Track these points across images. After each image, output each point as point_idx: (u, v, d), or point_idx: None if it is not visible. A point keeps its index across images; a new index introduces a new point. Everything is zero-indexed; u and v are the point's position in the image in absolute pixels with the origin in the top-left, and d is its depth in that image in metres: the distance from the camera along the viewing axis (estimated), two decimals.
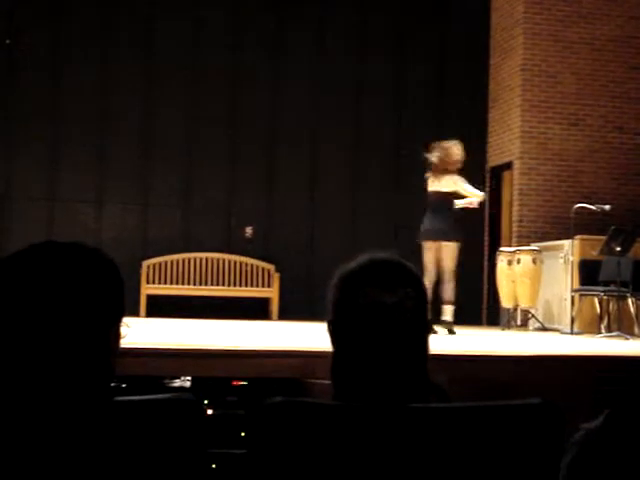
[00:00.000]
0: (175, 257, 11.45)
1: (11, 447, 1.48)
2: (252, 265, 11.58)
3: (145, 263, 11.25)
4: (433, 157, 8.53)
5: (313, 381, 4.79)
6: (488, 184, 12.02)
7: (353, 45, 11.85)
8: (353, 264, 1.75)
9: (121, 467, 1.51)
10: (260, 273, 11.59)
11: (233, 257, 11.57)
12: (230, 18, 11.63)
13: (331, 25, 11.78)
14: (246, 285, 11.53)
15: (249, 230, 11.64)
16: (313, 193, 11.76)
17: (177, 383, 5.36)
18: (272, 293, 11.45)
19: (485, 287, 11.97)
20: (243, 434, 5.04)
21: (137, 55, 11.40)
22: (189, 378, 5.34)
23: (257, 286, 11.54)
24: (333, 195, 11.71)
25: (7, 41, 10.69)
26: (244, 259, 11.55)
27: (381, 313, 1.64)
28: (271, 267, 11.57)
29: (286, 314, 11.06)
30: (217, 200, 11.52)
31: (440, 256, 8.40)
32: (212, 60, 11.54)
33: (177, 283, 11.42)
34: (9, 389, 1.54)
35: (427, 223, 8.52)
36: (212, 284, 11.50)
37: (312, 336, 7.54)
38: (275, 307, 11.40)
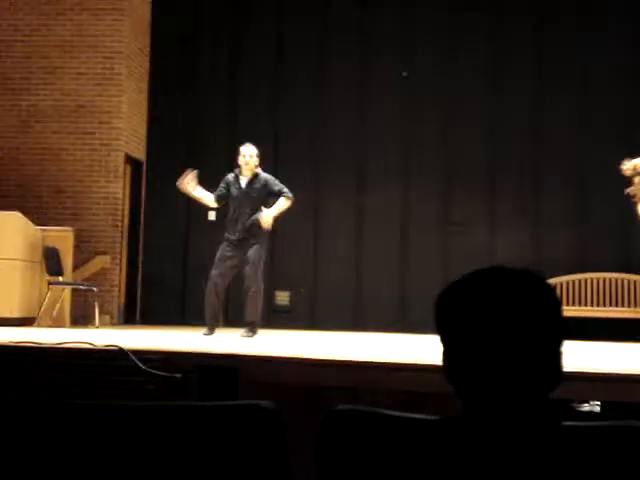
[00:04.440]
0: (571, 277, 11.25)
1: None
2: None
3: None
4: None
5: None
6: None
7: None
8: None
9: None
10: None
11: (633, 277, 11.12)
12: None
13: None
14: None
15: None
16: None
17: (586, 407, 5.24)
18: None
19: None
20: None
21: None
22: (598, 403, 5.20)
23: None
24: None
25: (404, 74, 11.25)
26: None
27: None
28: None
29: None
30: (613, 219, 11.11)
31: None
32: None
33: (573, 304, 11.20)
34: (475, 404, 1.63)
35: None
36: (609, 305, 11.13)
37: None
38: None
